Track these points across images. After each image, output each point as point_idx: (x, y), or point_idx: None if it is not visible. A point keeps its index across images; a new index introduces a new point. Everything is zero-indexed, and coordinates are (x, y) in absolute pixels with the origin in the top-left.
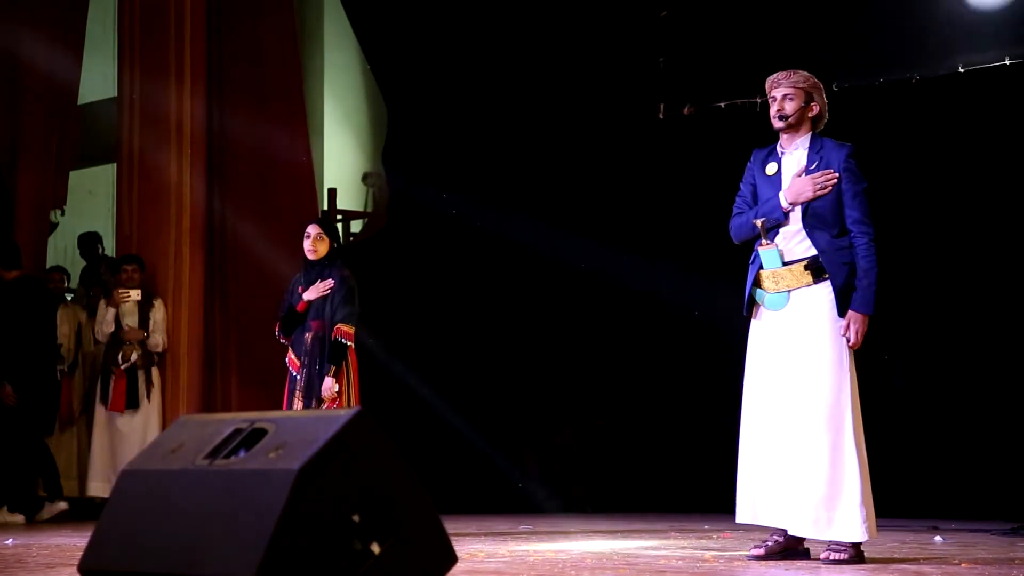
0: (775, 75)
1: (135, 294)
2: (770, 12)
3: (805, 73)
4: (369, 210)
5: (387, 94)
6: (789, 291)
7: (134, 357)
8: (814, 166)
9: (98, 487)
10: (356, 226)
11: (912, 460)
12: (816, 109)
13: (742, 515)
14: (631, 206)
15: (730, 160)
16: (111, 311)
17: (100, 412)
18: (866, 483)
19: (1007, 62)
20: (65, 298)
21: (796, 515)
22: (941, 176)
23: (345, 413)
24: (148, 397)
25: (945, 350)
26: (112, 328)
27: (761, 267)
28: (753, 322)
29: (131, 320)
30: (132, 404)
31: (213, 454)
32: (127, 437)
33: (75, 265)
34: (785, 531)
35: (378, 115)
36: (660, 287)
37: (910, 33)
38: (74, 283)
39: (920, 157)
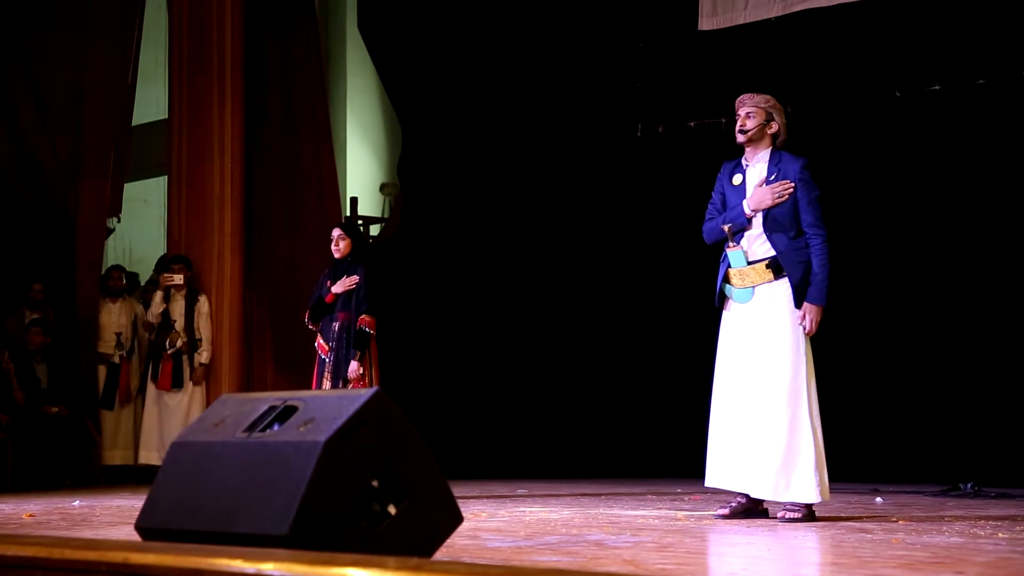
0: (742, 96)
1: (178, 278)
2: (733, 44)
3: (767, 95)
4: (386, 216)
5: (401, 115)
6: (754, 287)
7: (179, 343)
8: (773, 177)
9: (148, 455)
10: (374, 230)
11: (857, 431)
12: (775, 127)
13: (710, 480)
14: (614, 212)
15: (699, 171)
16: (159, 294)
17: (151, 391)
18: (820, 452)
19: (936, 88)
20: (123, 293)
21: (758, 480)
22: (883, 183)
23: (365, 392)
24: (191, 378)
25: (885, 336)
26: (160, 310)
27: (729, 266)
28: (723, 313)
29: (179, 314)
30: (177, 384)
31: (251, 428)
32: (174, 412)
33: (132, 265)
34: (747, 494)
35: (394, 133)
36: (640, 284)
37: (855, 63)
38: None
39: (865, 168)
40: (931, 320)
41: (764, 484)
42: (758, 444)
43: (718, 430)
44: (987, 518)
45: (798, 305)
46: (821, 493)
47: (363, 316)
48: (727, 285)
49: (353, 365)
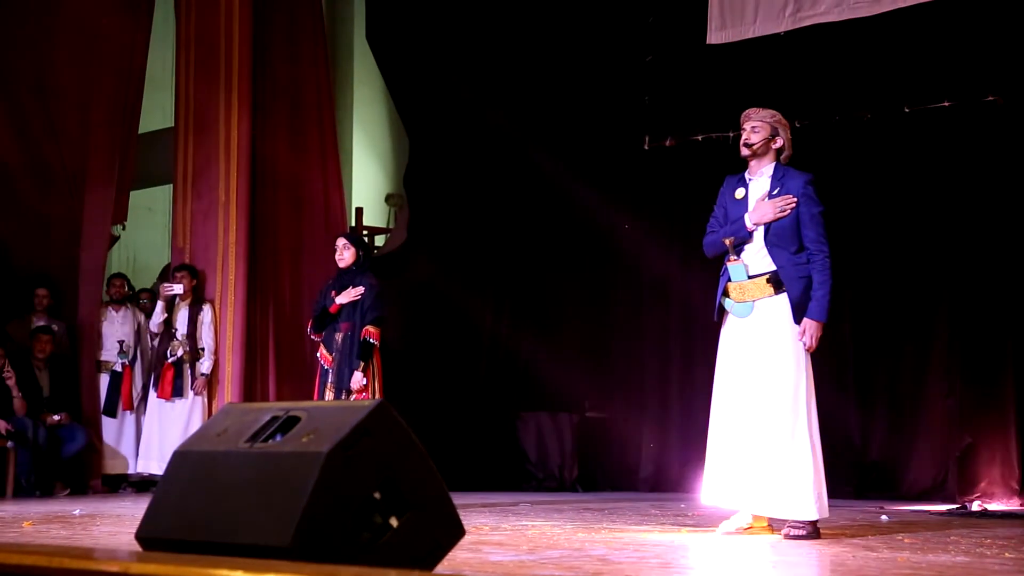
0: (748, 110)
1: (177, 288)
2: (742, 58)
3: (773, 110)
4: (391, 227)
5: (408, 126)
6: (753, 301)
7: (180, 352)
8: (776, 191)
9: (148, 464)
10: (380, 241)
11: (862, 449)
12: (780, 142)
13: (706, 498)
14: (620, 223)
15: (706, 186)
16: (160, 304)
17: (152, 399)
18: (818, 469)
19: (946, 104)
20: (126, 301)
21: (755, 497)
22: (890, 200)
23: (368, 403)
24: (192, 388)
25: (891, 354)
26: (161, 319)
27: (729, 279)
28: (723, 327)
29: (182, 323)
30: (177, 393)
31: (254, 438)
32: (174, 422)
33: (136, 272)
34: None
35: (400, 144)
36: (642, 297)
37: (863, 78)
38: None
39: (872, 185)
40: (937, 339)
41: (761, 500)
42: (756, 460)
43: (715, 447)
44: (994, 538)
45: (797, 321)
46: (820, 510)
47: (367, 327)
48: (726, 299)
49: (357, 376)
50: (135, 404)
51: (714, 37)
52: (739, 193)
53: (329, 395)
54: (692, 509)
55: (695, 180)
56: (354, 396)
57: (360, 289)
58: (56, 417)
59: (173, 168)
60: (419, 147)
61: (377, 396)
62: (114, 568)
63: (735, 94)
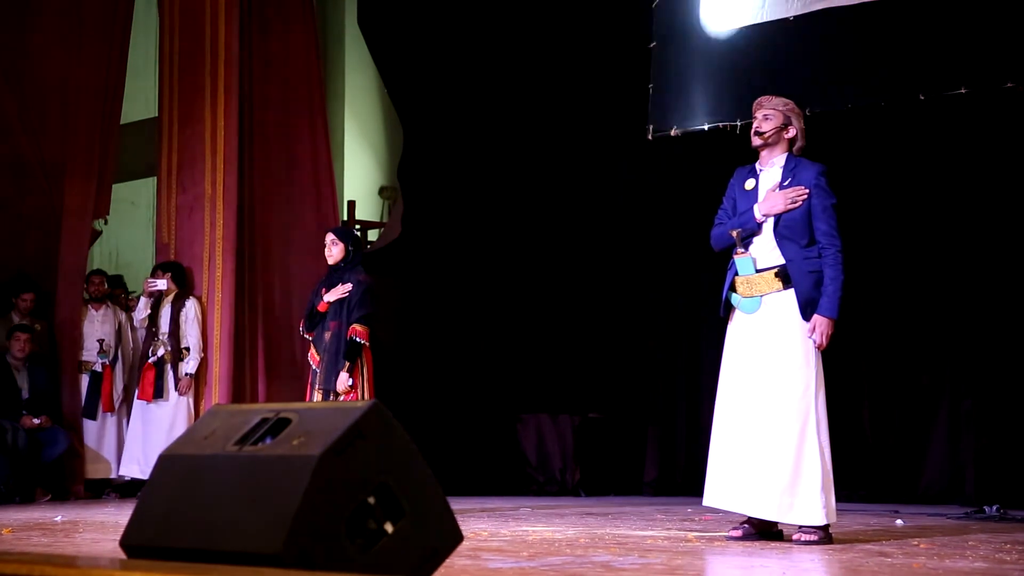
0: (760, 98)
1: (161, 283)
2: (749, 44)
3: (786, 99)
4: (385, 221)
5: (403, 115)
6: (761, 296)
7: (162, 352)
8: (787, 182)
9: (131, 468)
10: (373, 235)
11: (877, 450)
12: (793, 132)
13: (709, 499)
14: (623, 217)
15: (712, 176)
16: (143, 300)
17: (136, 401)
18: (827, 472)
19: (963, 91)
20: (106, 299)
21: (760, 500)
22: (905, 191)
23: (362, 405)
24: (175, 389)
25: (904, 352)
26: (144, 316)
27: (736, 273)
28: (729, 324)
29: (165, 320)
30: (159, 394)
31: (242, 441)
32: (158, 424)
33: (119, 269)
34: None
35: (394, 134)
36: (647, 293)
37: (876, 65)
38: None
39: (886, 175)
40: (955, 336)
41: (767, 504)
42: (762, 462)
43: (720, 447)
44: (1013, 542)
45: (806, 318)
46: (827, 515)
47: (355, 325)
48: (733, 294)
49: (343, 377)
50: (116, 406)
51: (722, 22)
52: (749, 184)
53: (317, 397)
54: (699, 513)
55: (702, 171)
56: (342, 398)
57: (348, 286)
58: (36, 420)
59: (157, 160)
60: (414, 137)
61: (367, 398)
62: None
63: (742, 82)
